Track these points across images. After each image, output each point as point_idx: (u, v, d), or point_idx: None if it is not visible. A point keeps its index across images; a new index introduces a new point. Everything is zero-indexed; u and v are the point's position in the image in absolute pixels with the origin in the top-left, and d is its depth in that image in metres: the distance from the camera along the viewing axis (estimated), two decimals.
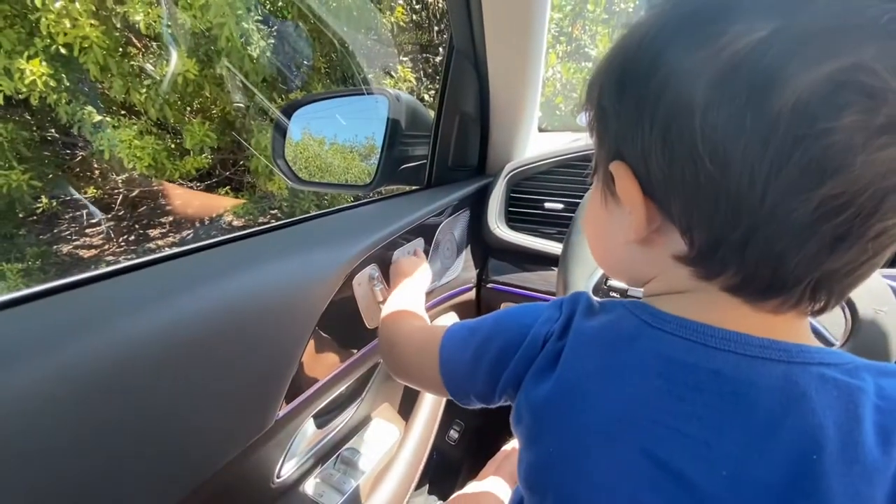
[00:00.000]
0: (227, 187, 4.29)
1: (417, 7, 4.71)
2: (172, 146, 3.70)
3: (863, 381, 0.26)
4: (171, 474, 0.42)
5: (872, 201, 0.22)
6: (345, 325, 0.63)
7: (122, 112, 3.65)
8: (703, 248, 0.27)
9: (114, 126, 3.34)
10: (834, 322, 0.46)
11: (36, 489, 0.33)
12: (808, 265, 0.24)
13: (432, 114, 0.95)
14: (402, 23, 4.40)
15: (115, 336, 0.38)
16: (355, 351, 0.66)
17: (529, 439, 0.33)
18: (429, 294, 0.82)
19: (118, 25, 3.16)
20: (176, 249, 0.54)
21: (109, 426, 0.37)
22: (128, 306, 0.40)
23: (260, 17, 3.28)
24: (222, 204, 4.30)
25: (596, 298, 0.36)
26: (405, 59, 4.56)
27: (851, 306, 0.46)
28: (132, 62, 3.22)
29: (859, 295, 0.46)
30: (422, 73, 4.56)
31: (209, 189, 4.77)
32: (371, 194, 0.95)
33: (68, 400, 0.34)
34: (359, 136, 1.13)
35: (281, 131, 1.02)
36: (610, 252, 0.36)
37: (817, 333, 0.46)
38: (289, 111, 1.01)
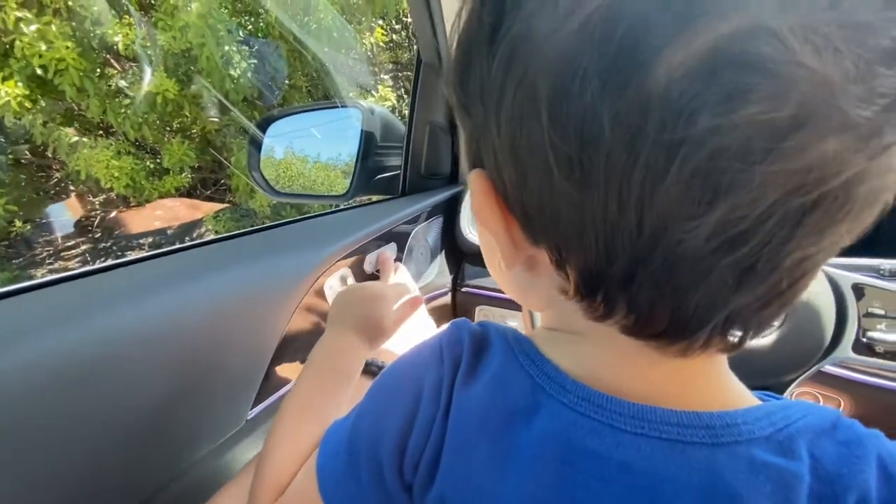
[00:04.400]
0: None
1: (397, 27, 4.82)
2: (151, 166, 3.69)
3: (798, 460, 0.21)
4: (141, 470, 0.43)
5: (784, 226, 0.16)
6: (316, 328, 0.64)
7: (100, 132, 3.63)
8: (581, 285, 0.21)
9: (90, 147, 3.31)
10: None
11: (1, 482, 0.34)
12: (711, 304, 0.19)
13: None
14: (381, 43, 4.49)
15: (87, 333, 0.38)
16: None
17: None
18: None
19: (95, 46, 3.16)
20: (150, 252, 0.55)
21: (79, 422, 0.37)
22: (101, 304, 0.41)
23: (241, 38, 3.33)
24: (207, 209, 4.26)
25: (475, 325, 0.29)
26: (385, 77, 4.64)
27: None
28: (109, 83, 3.21)
29: None
30: (402, 90, 4.64)
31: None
32: (346, 203, 0.97)
33: (39, 394, 0.35)
34: (333, 148, 1.16)
35: (256, 145, 1.04)
36: (497, 275, 0.30)
37: None
38: (264, 124, 1.04)
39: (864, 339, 0.47)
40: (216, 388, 0.50)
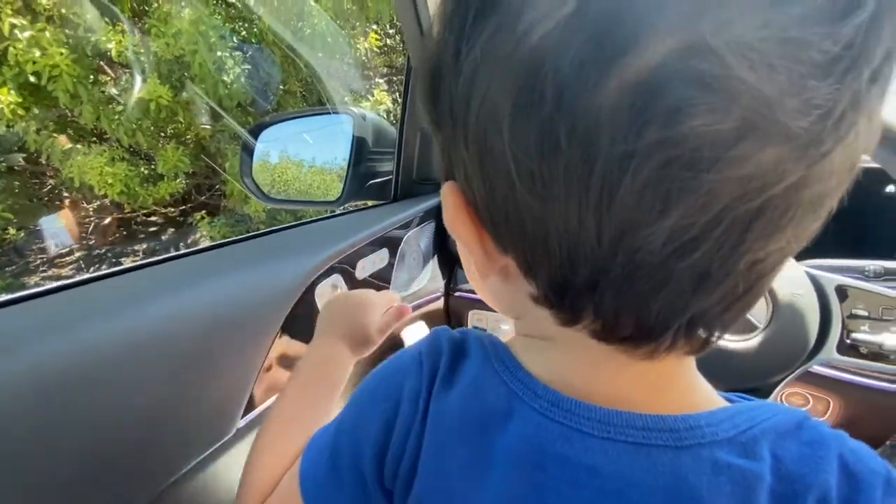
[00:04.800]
0: (203, 211, 4.25)
1: (391, 32, 4.83)
2: (146, 172, 3.68)
3: (759, 461, 0.22)
4: (131, 479, 0.43)
5: (733, 231, 0.17)
6: (307, 335, 0.64)
7: (93, 139, 3.62)
8: (548, 293, 0.22)
9: (84, 153, 3.30)
10: (758, 305, 0.50)
11: None
12: (672, 309, 0.20)
13: None
14: (375, 48, 4.50)
15: (78, 343, 0.39)
16: None
17: None
18: None
19: (89, 53, 3.16)
20: (141, 261, 0.55)
21: (70, 430, 0.37)
22: (93, 315, 0.41)
23: (234, 44, 3.33)
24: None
25: (456, 332, 0.30)
26: (380, 81, 4.65)
27: (772, 292, 0.50)
28: (103, 89, 3.21)
29: (778, 280, 0.50)
30: (397, 94, 4.66)
31: (184, 214, 4.72)
32: (339, 209, 0.97)
33: (32, 403, 0.35)
34: (327, 153, 1.16)
35: (248, 151, 1.04)
36: (475, 284, 0.31)
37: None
38: (256, 131, 1.04)
39: (849, 341, 0.48)
40: (207, 396, 0.50)
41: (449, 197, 0.23)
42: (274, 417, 0.40)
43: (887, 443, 0.49)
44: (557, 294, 0.22)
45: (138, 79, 3.20)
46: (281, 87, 3.86)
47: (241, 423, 0.54)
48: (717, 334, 0.22)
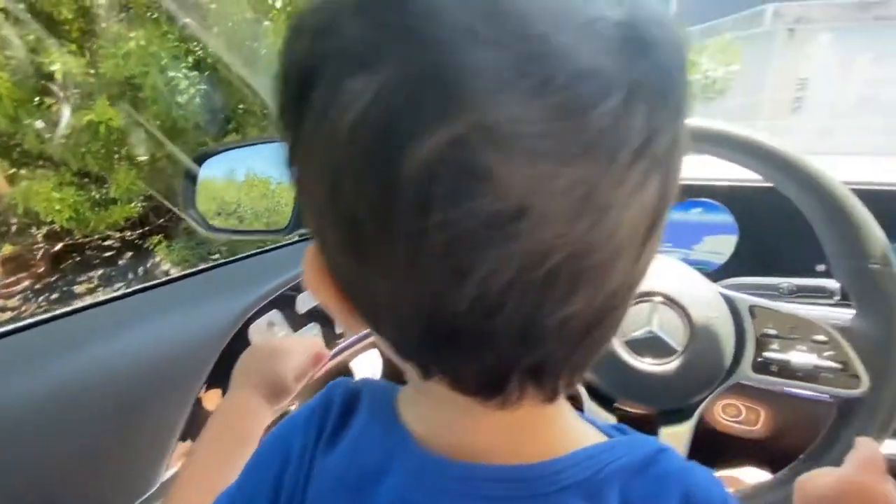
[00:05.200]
0: (161, 234, 4.10)
1: None
2: (97, 196, 3.53)
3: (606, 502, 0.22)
4: None
5: (528, 295, 0.18)
6: None
7: (40, 163, 3.45)
8: (391, 346, 0.23)
9: (28, 179, 3.15)
10: (675, 329, 0.52)
11: None
12: (504, 363, 0.20)
13: None
14: None
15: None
16: None
17: None
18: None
19: (32, 75, 3.03)
20: (57, 311, 0.53)
21: None
22: (15, 365, 0.41)
23: (189, 65, 3.26)
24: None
25: (353, 384, 0.30)
26: None
27: (688, 315, 0.52)
28: (48, 112, 3.08)
29: (694, 303, 0.52)
30: None
31: (142, 237, 4.54)
32: (286, 239, 0.96)
33: None
34: (274, 182, 1.14)
35: (191, 179, 1.02)
36: None
37: (661, 342, 0.52)
38: (200, 159, 1.01)
39: (760, 359, 0.50)
40: (128, 450, 0.49)
41: (308, 260, 0.23)
42: (183, 477, 0.39)
43: (800, 456, 0.51)
44: (400, 354, 0.22)
45: (89, 101, 3.09)
46: (241, 106, 3.79)
47: (166, 475, 0.51)
48: (565, 383, 0.23)
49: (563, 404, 0.26)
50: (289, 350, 0.49)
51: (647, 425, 0.53)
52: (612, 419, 0.53)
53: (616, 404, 0.55)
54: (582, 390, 0.55)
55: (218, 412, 0.45)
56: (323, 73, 0.18)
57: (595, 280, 0.19)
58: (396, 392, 0.28)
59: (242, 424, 0.43)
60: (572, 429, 0.26)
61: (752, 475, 0.67)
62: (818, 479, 0.33)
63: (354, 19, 0.18)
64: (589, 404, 0.55)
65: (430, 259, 0.18)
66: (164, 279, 0.66)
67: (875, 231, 0.46)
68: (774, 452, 0.67)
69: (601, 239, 0.18)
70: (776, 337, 0.51)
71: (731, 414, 0.76)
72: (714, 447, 0.75)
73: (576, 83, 0.16)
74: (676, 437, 0.52)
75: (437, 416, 0.25)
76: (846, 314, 0.51)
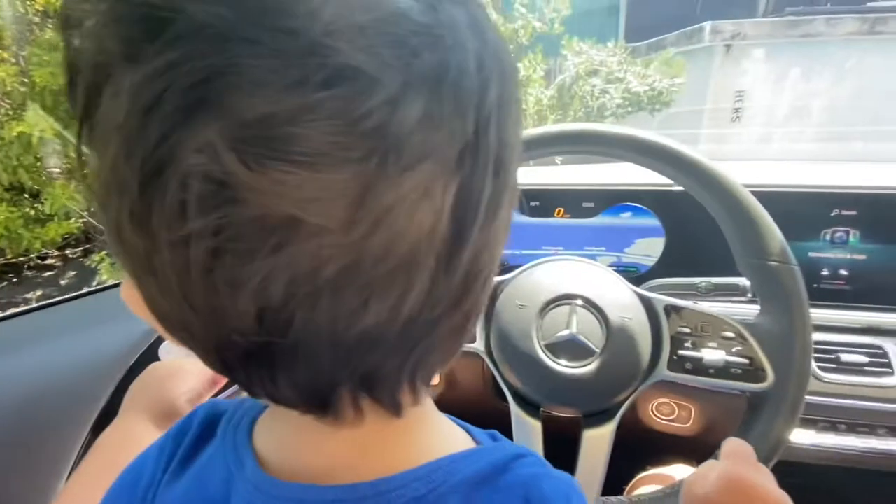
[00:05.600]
0: (104, 251, 3.87)
1: None
2: (32, 212, 3.30)
3: None
4: None
5: (304, 310, 0.18)
6: None
7: None
8: (207, 364, 0.22)
9: None
10: (593, 331, 0.53)
11: None
12: (320, 379, 0.20)
13: None
14: None
15: None
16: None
17: None
18: None
19: None
20: None
21: None
22: None
23: None
24: None
25: (215, 408, 0.29)
26: None
27: (604, 317, 0.53)
28: None
29: (610, 305, 0.53)
30: None
31: (85, 254, 4.28)
32: None
33: None
34: None
35: None
36: None
37: (580, 344, 0.52)
38: None
39: (675, 357, 0.52)
40: (16, 483, 0.44)
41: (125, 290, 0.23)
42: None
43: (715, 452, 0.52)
44: (220, 372, 0.21)
45: (18, 112, 2.90)
46: None
47: None
48: (403, 397, 0.22)
49: (423, 415, 0.24)
50: (184, 373, 0.46)
51: (574, 428, 0.53)
52: (538, 425, 0.53)
53: (542, 409, 0.55)
54: (509, 396, 0.55)
55: (103, 438, 0.42)
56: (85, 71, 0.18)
57: (390, 290, 0.18)
58: (260, 413, 0.26)
59: (125, 452, 0.40)
60: (432, 440, 0.25)
61: (683, 472, 0.69)
62: (701, 479, 0.34)
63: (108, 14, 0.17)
64: (516, 410, 0.54)
65: (197, 273, 0.17)
66: (67, 296, 0.61)
67: (773, 230, 0.48)
68: (704, 448, 0.69)
69: (382, 247, 0.17)
70: (689, 335, 0.52)
71: (664, 413, 0.77)
72: (650, 446, 0.77)
73: (336, 81, 0.15)
74: (600, 438, 0.52)
75: (287, 436, 0.24)
76: (755, 310, 0.53)
